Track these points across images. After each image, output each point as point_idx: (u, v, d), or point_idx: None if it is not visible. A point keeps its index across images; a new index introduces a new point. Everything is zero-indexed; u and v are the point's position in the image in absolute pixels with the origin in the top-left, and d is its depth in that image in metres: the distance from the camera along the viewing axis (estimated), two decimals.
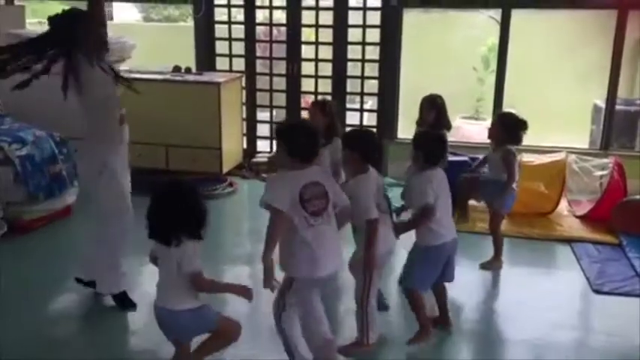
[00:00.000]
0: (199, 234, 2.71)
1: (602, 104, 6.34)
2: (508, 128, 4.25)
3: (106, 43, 3.84)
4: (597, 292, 4.07)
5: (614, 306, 3.93)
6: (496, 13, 6.36)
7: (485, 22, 7.30)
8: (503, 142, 4.26)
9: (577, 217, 5.29)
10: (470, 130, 7.66)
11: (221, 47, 6.92)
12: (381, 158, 3.27)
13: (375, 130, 6.58)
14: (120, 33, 7.14)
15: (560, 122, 6.93)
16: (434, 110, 4.51)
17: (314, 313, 2.89)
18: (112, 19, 9.29)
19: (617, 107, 6.29)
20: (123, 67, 6.69)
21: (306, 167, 2.78)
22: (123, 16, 10.64)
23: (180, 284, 2.69)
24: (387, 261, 3.35)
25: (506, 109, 6.32)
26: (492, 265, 4.34)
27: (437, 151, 3.33)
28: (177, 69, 6.51)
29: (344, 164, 3.33)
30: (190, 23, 7.22)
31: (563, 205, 5.41)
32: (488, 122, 6.80)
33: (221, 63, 6.93)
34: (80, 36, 3.37)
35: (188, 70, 6.52)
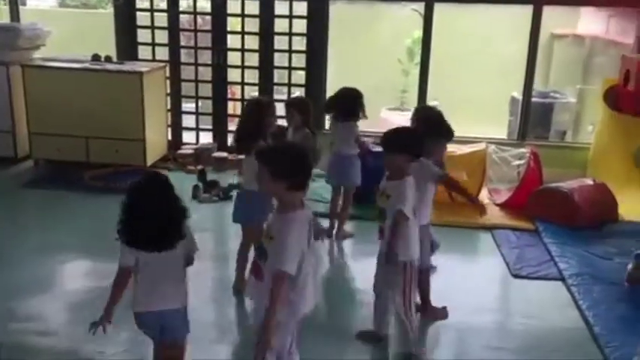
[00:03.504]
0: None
1: (519, 96, 6.61)
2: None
3: None
4: (516, 276, 4.26)
5: (532, 289, 4.12)
6: (419, 6, 6.49)
7: (409, 15, 7.43)
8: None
9: (497, 205, 5.50)
10: (395, 121, 7.79)
11: (143, 36, 6.70)
12: None
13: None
14: (33, 19, 6.80)
15: (481, 114, 7.18)
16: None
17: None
18: (24, 4, 8.81)
19: (533, 99, 6.58)
20: (37, 55, 6.40)
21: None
22: (36, 2, 10.11)
23: (183, 278, 2.54)
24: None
25: (429, 100, 6.49)
26: None
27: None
28: (96, 57, 6.26)
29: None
30: (110, 10, 6.95)
31: (483, 194, 5.60)
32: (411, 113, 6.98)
33: (143, 52, 6.71)
34: None
35: (108, 59, 6.29)
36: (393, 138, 3.10)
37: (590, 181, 5.31)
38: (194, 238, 2.58)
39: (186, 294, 2.56)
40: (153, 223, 2.38)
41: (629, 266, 4.06)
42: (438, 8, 6.17)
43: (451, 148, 5.57)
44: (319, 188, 5.40)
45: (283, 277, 2.30)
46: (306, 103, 4.57)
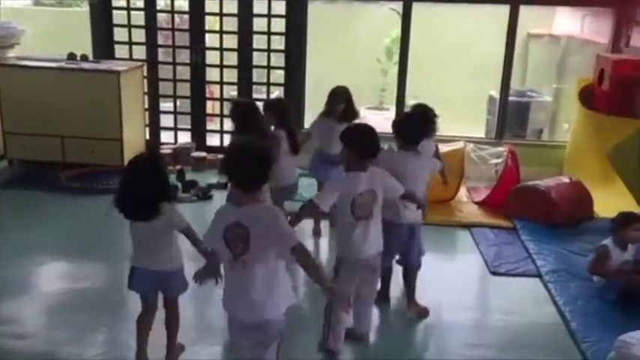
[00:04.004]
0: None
1: (496, 95, 6.67)
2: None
3: None
4: (494, 273, 4.30)
5: (510, 286, 4.16)
6: (397, 6, 6.51)
7: (388, 14, 7.46)
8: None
9: (475, 203, 5.55)
10: (374, 120, 7.82)
11: (120, 34, 6.63)
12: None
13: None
14: (7, 17, 6.69)
15: (459, 112, 7.23)
16: (344, 101, 4.60)
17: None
18: None
19: (510, 98, 6.65)
20: (11, 54, 6.29)
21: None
22: (11, 0, 9.92)
23: (171, 246, 2.89)
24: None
25: (408, 99, 6.53)
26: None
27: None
28: (72, 56, 6.18)
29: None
30: (85, 8, 6.86)
31: (462, 192, 5.65)
32: (391, 112, 7.02)
33: (120, 51, 6.64)
34: None
35: (84, 58, 6.21)
36: (345, 133, 3.17)
37: (566, 179, 5.38)
38: (176, 216, 2.85)
39: (175, 259, 2.91)
40: (128, 196, 2.78)
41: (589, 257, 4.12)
42: (416, 7, 6.21)
43: None
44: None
45: None
46: (282, 103, 4.57)
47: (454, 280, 4.23)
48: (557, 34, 8.01)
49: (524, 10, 6.23)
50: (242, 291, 2.40)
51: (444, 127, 6.47)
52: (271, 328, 2.46)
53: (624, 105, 5.46)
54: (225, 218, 2.41)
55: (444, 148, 5.65)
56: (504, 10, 6.20)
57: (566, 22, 7.73)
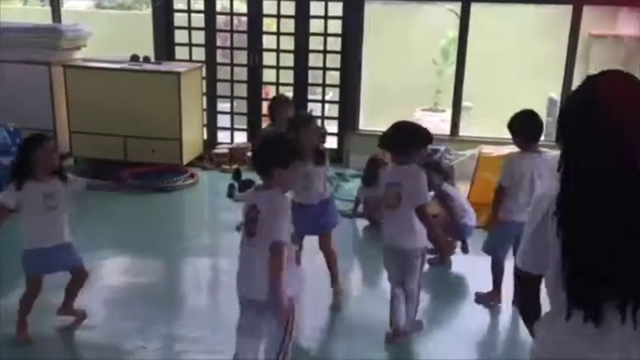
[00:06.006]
0: None
1: (556, 98, 6.50)
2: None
3: None
4: None
5: None
6: (456, 6, 6.43)
7: (444, 14, 7.37)
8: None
9: None
10: (429, 121, 7.74)
11: (180, 36, 6.80)
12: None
13: (336, 121, 6.66)
14: (70, 20, 6.93)
15: None
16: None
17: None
18: (62, 5, 8.98)
19: None
20: (78, 56, 6.53)
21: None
22: (73, 3, 10.30)
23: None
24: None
25: (465, 101, 6.43)
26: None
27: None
28: (135, 58, 6.37)
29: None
30: (145, 11, 7.07)
31: None
32: (446, 114, 6.94)
33: (180, 52, 6.80)
34: None
35: (146, 60, 6.39)
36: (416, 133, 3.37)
37: None
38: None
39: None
40: None
41: None
42: (473, 8, 6.12)
43: (488, 149, 5.55)
44: (354, 189, 5.39)
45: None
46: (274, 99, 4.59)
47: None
48: (620, 34, 7.74)
49: (586, 10, 6.04)
50: (248, 268, 2.55)
51: (502, 129, 6.35)
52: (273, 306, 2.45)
53: None
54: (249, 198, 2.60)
55: (502, 150, 5.57)
56: (565, 9, 6.04)
57: (631, 22, 7.47)
